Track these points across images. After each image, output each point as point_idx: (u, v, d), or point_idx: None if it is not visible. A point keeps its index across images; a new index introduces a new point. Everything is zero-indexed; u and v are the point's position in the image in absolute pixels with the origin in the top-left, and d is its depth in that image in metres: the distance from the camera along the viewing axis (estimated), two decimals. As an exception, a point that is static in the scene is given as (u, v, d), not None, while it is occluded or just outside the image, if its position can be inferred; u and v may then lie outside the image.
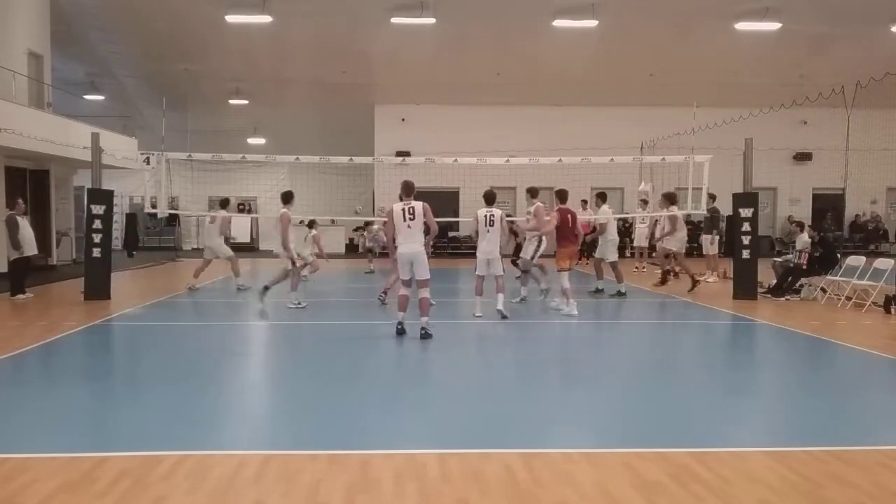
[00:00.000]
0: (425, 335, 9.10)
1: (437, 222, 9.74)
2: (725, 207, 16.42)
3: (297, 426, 5.60)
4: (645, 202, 18.54)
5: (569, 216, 11.27)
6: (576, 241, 11.53)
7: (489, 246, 11.01)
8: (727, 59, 22.38)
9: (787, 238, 21.49)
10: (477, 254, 11.32)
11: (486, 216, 11.05)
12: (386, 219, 10.67)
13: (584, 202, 21.51)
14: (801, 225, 14.25)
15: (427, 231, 9.36)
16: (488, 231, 10.98)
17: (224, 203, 15.40)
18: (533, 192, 12.52)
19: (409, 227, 9.22)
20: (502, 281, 11.02)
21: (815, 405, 6.31)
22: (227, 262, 15.14)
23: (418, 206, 9.25)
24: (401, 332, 9.21)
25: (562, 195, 11.50)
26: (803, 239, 13.63)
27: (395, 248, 9.44)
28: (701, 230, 18.38)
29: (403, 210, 9.24)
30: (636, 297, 14.18)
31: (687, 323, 11.21)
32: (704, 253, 17.05)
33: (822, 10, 20.11)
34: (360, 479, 4.37)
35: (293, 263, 12.16)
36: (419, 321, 9.18)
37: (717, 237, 16.61)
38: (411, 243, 9.22)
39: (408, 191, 9.37)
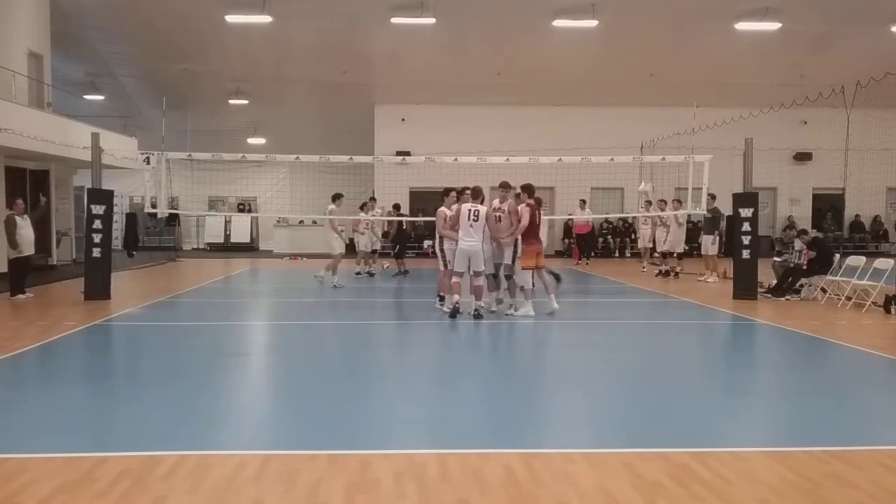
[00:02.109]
0: (478, 315, 10.53)
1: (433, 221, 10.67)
2: (725, 207, 16.42)
3: (297, 426, 5.60)
4: (649, 202, 18.56)
5: (537, 212, 11.04)
6: (541, 240, 11.23)
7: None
8: (727, 59, 22.35)
9: (787, 238, 21.48)
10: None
11: (471, 210, 10.74)
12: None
13: (583, 202, 21.59)
14: (793, 226, 14.19)
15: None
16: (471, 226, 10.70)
17: (335, 197, 15.62)
18: (528, 190, 11.41)
19: (471, 226, 10.58)
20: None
21: (815, 405, 6.31)
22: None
23: (482, 209, 10.67)
24: (455, 313, 10.65)
25: (530, 190, 11.13)
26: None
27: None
28: (700, 230, 18.36)
29: (469, 211, 10.61)
30: (637, 297, 14.19)
31: (687, 323, 11.21)
32: (704, 253, 16.97)
33: (822, 10, 20.08)
34: (359, 479, 4.37)
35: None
36: (474, 304, 10.62)
37: (717, 237, 16.55)
38: (472, 241, 10.57)
39: (475, 195, 10.82)
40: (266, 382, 7.42)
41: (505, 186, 11.38)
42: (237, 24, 20.07)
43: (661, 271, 17.62)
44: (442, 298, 11.54)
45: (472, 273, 10.73)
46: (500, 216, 11.03)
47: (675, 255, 17.44)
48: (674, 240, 17.21)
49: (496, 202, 11.25)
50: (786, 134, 24.22)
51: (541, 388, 7.07)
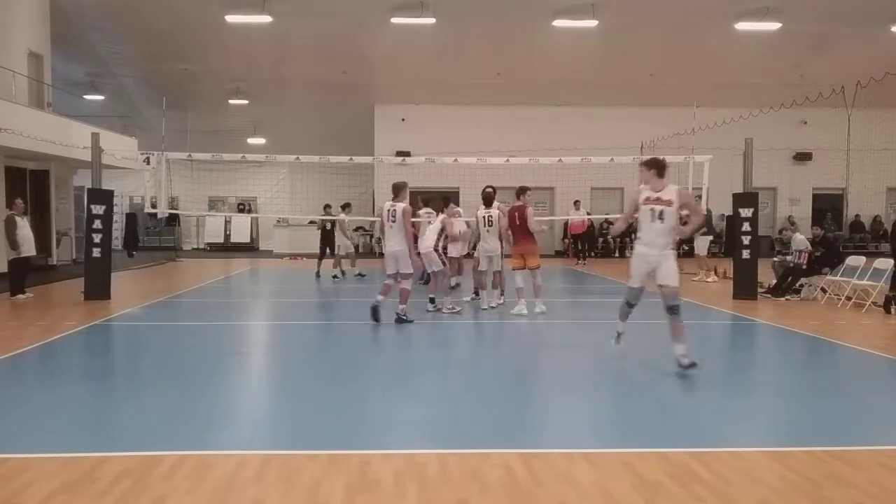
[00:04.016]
0: (400, 321, 9.85)
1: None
2: (725, 207, 16.42)
3: (297, 426, 5.60)
4: None
5: (515, 214, 10.93)
6: (528, 240, 10.92)
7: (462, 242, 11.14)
8: (727, 59, 22.36)
9: (786, 238, 21.47)
10: (479, 252, 11.43)
11: (389, 210, 10.08)
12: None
13: (577, 202, 21.66)
14: (793, 224, 14.22)
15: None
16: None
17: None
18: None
19: (391, 226, 9.85)
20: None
21: (815, 405, 6.31)
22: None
23: (399, 207, 9.82)
24: (375, 310, 9.86)
25: (518, 192, 11.25)
26: (798, 238, 13.66)
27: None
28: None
29: (388, 211, 9.82)
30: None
31: (687, 323, 11.14)
32: (697, 253, 16.90)
33: (822, 10, 20.09)
34: (359, 479, 4.37)
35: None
36: (398, 308, 9.97)
37: (709, 238, 16.50)
38: (393, 242, 9.85)
39: (394, 192, 10.00)
40: (266, 382, 7.42)
41: (650, 165, 7.48)
42: (237, 24, 20.08)
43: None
44: (476, 293, 11.92)
45: (399, 276, 9.99)
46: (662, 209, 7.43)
47: None
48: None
49: (645, 188, 7.51)
50: (786, 134, 24.24)
51: (541, 388, 7.08)
